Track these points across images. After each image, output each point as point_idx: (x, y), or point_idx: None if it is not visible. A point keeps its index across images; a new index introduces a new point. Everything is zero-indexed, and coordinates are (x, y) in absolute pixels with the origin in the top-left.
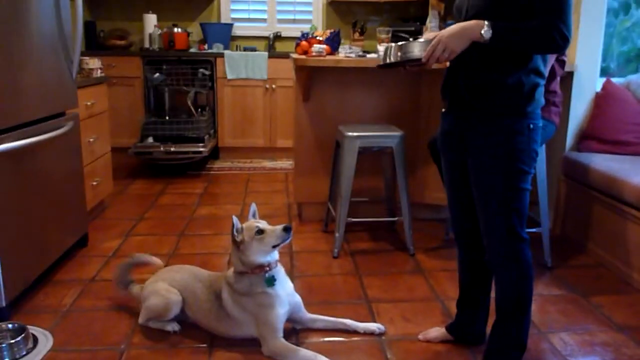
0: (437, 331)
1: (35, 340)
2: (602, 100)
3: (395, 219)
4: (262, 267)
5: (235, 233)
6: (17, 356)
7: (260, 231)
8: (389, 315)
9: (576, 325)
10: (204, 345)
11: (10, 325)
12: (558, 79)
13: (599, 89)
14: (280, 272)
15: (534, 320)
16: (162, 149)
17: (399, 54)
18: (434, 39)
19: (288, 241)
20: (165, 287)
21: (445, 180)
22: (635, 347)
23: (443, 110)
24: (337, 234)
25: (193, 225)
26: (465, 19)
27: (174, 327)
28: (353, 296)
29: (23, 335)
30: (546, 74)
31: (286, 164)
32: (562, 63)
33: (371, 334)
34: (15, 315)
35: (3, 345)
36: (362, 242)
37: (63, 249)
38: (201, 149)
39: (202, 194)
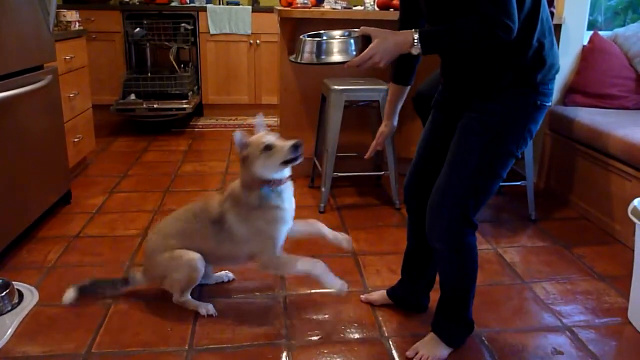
0: (378, 294)
1: (21, 295)
2: (589, 54)
3: (381, 173)
4: (271, 182)
5: (238, 148)
6: (3, 311)
7: (269, 147)
8: (375, 267)
9: (558, 275)
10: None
11: None
12: None
13: (586, 42)
14: (289, 188)
15: (518, 270)
16: (145, 106)
17: (313, 56)
18: (359, 38)
19: (298, 161)
20: (177, 252)
21: (422, 134)
22: (615, 294)
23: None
24: (323, 189)
25: (178, 182)
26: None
27: (208, 310)
28: (340, 249)
29: (7, 290)
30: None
31: (271, 120)
32: (550, 15)
33: (339, 245)
34: None
35: None
36: (348, 196)
37: (45, 206)
38: (185, 106)
39: (187, 151)
